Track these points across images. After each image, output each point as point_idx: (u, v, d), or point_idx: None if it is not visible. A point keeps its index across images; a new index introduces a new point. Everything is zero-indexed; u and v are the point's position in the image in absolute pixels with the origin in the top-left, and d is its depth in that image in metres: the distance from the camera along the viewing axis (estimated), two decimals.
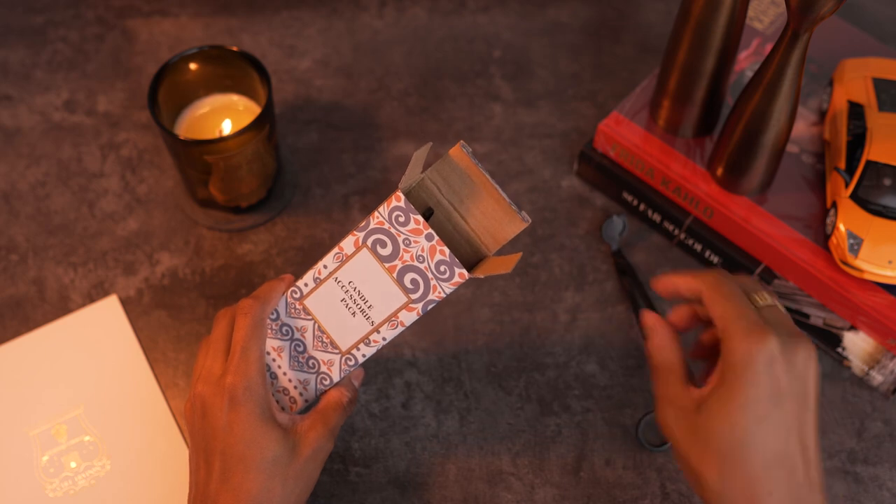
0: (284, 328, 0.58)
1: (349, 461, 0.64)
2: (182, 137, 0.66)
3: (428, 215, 0.53)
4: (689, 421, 0.49)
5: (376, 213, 0.52)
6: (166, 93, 0.69)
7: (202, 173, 0.69)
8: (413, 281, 0.53)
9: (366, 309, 0.55)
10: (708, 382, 0.49)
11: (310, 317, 0.57)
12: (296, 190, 0.75)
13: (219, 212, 0.74)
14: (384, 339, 0.56)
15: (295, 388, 0.59)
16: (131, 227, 0.74)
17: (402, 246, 0.52)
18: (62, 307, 0.70)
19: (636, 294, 0.70)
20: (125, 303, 0.70)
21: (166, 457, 0.64)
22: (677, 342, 0.54)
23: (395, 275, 0.53)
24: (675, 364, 0.52)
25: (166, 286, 0.71)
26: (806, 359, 0.48)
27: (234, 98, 0.72)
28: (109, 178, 0.76)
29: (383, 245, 0.53)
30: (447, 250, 0.52)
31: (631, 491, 0.63)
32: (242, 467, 0.52)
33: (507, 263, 0.51)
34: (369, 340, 0.56)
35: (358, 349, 0.57)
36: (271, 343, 0.59)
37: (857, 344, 0.66)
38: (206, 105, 0.72)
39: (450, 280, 0.52)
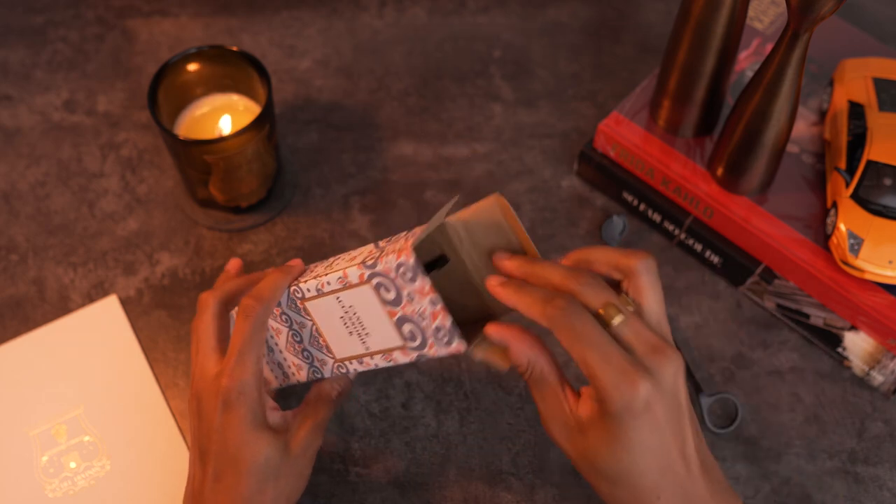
0: (284, 316, 0.58)
1: (349, 461, 0.64)
2: (182, 137, 0.66)
3: (441, 262, 0.51)
4: (575, 442, 0.48)
5: (384, 259, 0.49)
6: (166, 93, 0.69)
7: (202, 173, 0.69)
8: (411, 332, 0.51)
9: (363, 334, 0.54)
10: (587, 405, 0.47)
11: (309, 318, 0.56)
12: (296, 190, 0.75)
13: (219, 212, 0.74)
14: (377, 365, 0.54)
15: (289, 367, 0.59)
16: (131, 227, 0.74)
17: (405, 299, 0.50)
18: (62, 307, 0.70)
19: None
20: (125, 303, 0.70)
21: (166, 457, 0.64)
22: (540, 347, 0.49)
23: (394, 320, 0.51)
24: (549, 371, 0.49)
25: (166, 286, 0.71)
26: (674, 374, 0.46)
27: (234, 98, 0.72)
28: (109, 178, 0.76)
29: (387, 290, 0.51)
30: (450, 321, 0.49)
31: None
32: (234, 470, 0.52)
33: (507, 359, 0.50)
34: (362, 360, 0.55)
35: (351, 363, 0.56)
36: (272, 323, 0.59)
37: (857, 344, 0.66)
38: (206, 105, 0.72)
39: (447, 346, 0.50)
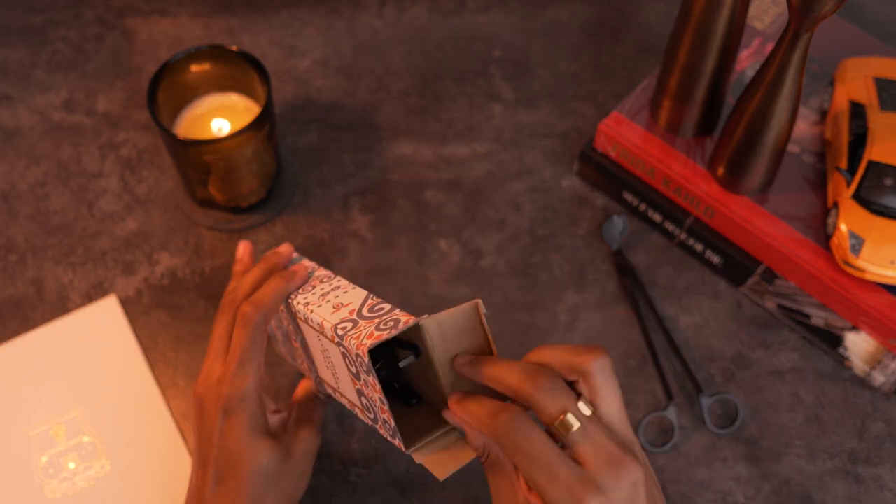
0: (281, 313, 0.58)
1: (349, 462, 0.64)
2: (181, 137, 0.66)
3: (416, 354, 0.50)
4: None
5: (348, 340, 0.49)
6: (166, 92, 0.69)
7: (202, 173, 0.69)
8: (366, 405, 0.52)
9: (336, 374, 0.54)
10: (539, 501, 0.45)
11: (300, 331, 0.57)
12: (296, 190, 0.75)
13: (218, 212, 0.73)
14: (345, 406, 0.56)
15: (292, 351, 0.60)
16: (131, 227, 0.73)
17: (361, 382, 0.51)
18: (61, 307, 0.70)
19: (636, 294, 0.70)
20: (124, 303, 0.70)
21: (166, 457, 0.64)
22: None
23: (356, 388, 0.52)
24: (504, 460, 0.47)
25: (166, 286, 0.71)
26: (632, 485, 0.44)
27: (234, 98, 0.72)
28: (109, 178, 0.76)
29: (350, 363, 0.51)
30: (392, 423, 0.49)
31: None
32: (236, 475, 0.53)
33: (447, 467, 0.49)
34: (336, 392, 0.56)
35: (328, 387, 0.57)
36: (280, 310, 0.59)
37: (858, 344, 0.66)
38: (206, 105, 0.72)
39: (392, 438, 0.51)
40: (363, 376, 0.50)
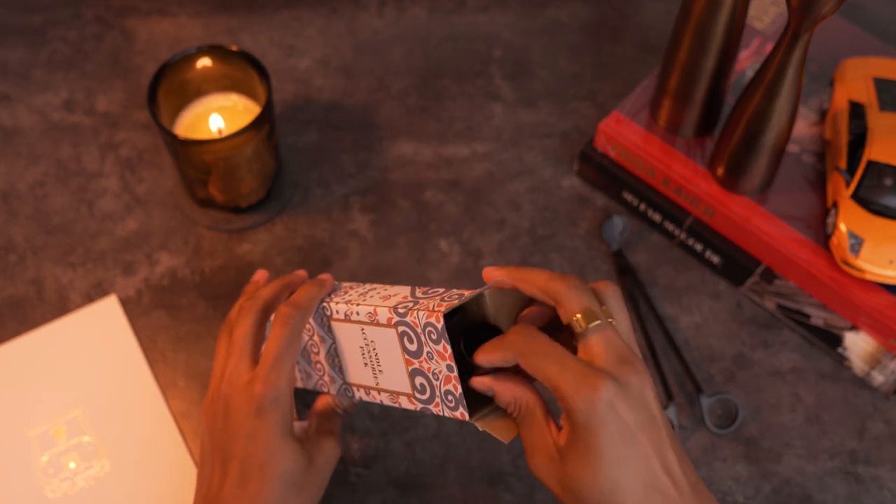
0: (309, 325, 0.59)
1: (349, 462, 0.64)
2: (181, 137, 0.66)
3: (479, 330, 0.53)
4: (558, 471, 0.47)
5: (415, 313, 0.52)
6: (166, 92, 0.69)
7: (202, 173, 0.69)
8: (422, 385, 0.53)
9: (377, 370, 0.56)
10: (564, 431, 0.47)
11: (332, 336, 0.58)
12: (296, 190, 0.75)
13: (218, 212, 0.73)
14: (381, 401, 0.56)
15: (298, 372, 0.60)
16: (130, 227, 0.73)
17: (424, 355, 0.52)
18: (61, 307, 0.70)
19: (636, 294, 0.70)
20: (124, 303, 0.70)
21: (166, 457, 0.64)
22: (525, 385, 0.49)
23: (409, 369, 0.53)
24: (533, 405, 0.49)
25: (166, 286, 0.71)
26: (640, 385, 0.46)
27: (234, 98, 0.72)
28: (108, 177, 0.76)
29: (410, 341, 0.53)
30: (460, 390, 0.51)
31: None
32: (261, 476, 0.52)
33: (509, 433, 0.52)
34: (370, 392, 0.57)
35: (358, 390, 0.57)
36: None
37: (857, 344, 0.66)
38: (206, 105, 0.72)
39: (452, 411, 0.52)
40: (428, 348, 0.51)
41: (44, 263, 0.72)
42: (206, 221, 0.73)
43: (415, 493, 0.63)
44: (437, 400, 0.52)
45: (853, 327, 0.66)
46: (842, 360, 0.68)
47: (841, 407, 0.66)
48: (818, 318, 0.67)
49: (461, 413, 0.51)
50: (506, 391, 0.49)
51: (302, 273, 0.61)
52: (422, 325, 0.51)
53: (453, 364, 0.51)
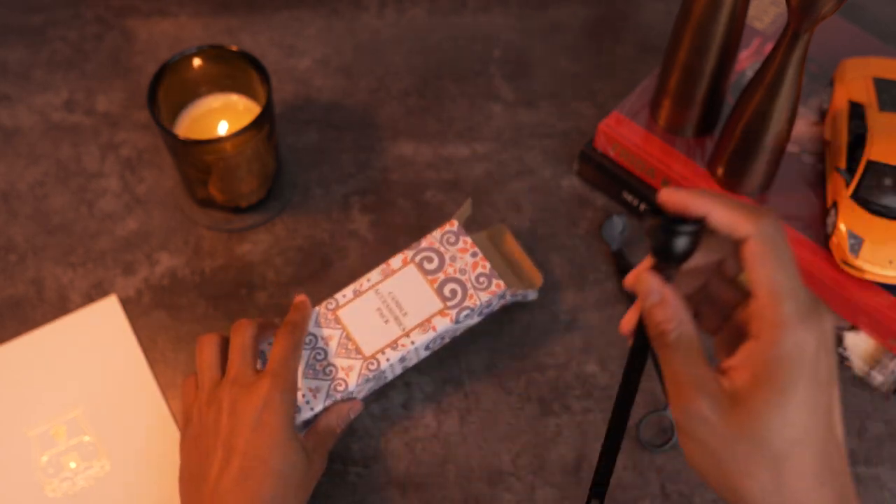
0: (308, 337, 0.62)
1: (349, 461, 0.64)
2: (181, 137, 0.66)
3: None
4: (727, 417, 0.40)
5: (428, 237, 0.64)
6: (166, 92, 0.69)
7: (202, 173, 0.69)
8: (452, 290, 0.62)
9: (400, 316, 0.62)
10: (736, 370, 0.41)
11: (339, 326, 0.63)
12: (296, 190, 0.75)
13: (218, 212, 0.73)
14: (412, 342, 0.61)
15: (303, 396, 0.61)
16: (130, 227, 0.73)
17: (447, 261, 0.63)
18: (61, 307, 0.70)
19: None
20: (124, 303, 0.70)
21: (166, 457, 0.64)
22: (691, 312, 0.43)
23: (436, 286, 0.62)
24: (696, 340, 0.42)
25: (166, 286, 0.71)
26: (832, 329, 0.41)
27: (234, 98, 0.72)
28: (108, 177, 0.76)
29: (430, 261, 0.63)
30: (489, 264, 0.62)
31: (631, 491, 0.63)
32: (263, 470, 0.53)
33: (537, 280, 0.66)
34: (397, 345, 0.61)
35: (383, 353, 0.61)
36: None
37: (857, 344, 0.66)
38: (206, 105, 0.72)
39: (487, 289, 0.62)
40: (449, 253, 0.63)
41: (44, 263, 0.72)
42: (206, 221, 0.73)
43: (415, 493, 0.63)
44: (471, 291, 0.62)
45: (853, 327, 0.66)
46: (842, 360, 0.68)
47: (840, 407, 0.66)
48: None
49: (497, 285, 0.62)
50: (674, 305, 0.42)
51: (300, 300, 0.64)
52: (438, 238, 0.64)
53: (476, 250, 0.63)
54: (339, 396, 0.60)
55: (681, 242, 0.43)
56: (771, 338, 0.40)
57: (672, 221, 0.43)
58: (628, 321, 0.46)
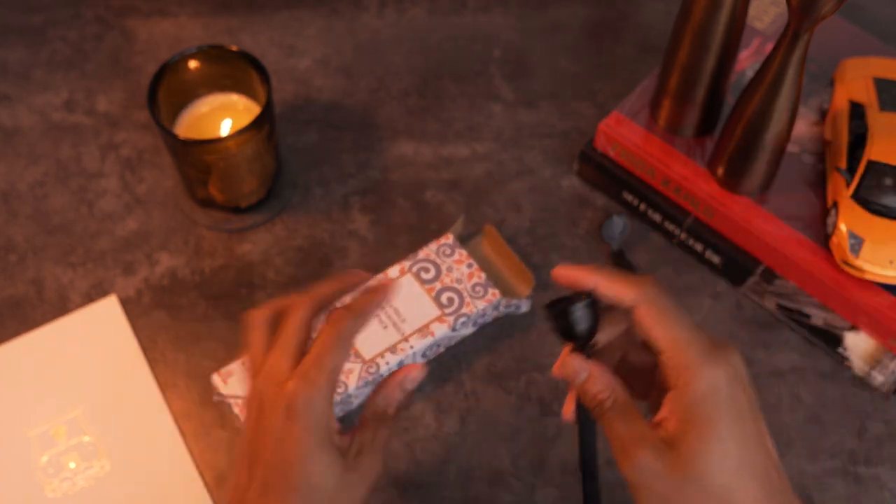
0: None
1: None
2: (181, 137, 0.66)
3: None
4: (667, 464, 0.43)
5: (423, 250, 0.67)
6: (166, 92, 0.69)
7: (202, 173, 0.69)
8: (449, 299, 0.65)
9: (398, 322, 0.64)
10: (667, 419, 0.44)
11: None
12: (296, 190, 0.75)
13: (218, 212, 0.73)
14: (412, 346, 0.63)
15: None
16: (130, 227, 0.73)
17: (443, 272, 0.66)
18: (61, 307, 0.70)
19: None
20: (124, 303, 0.70)
21: (166, 457, 0.64)
22: (616, 377, 0.47)
23: (433, 294, 0.65)
24: (629, 401, 0.46)
25: (166, 286, 0.71)
26: (742, 365, 0.45)
27: (234, 98, 0.72)
28: (109, 177, 0.76)
29: (427, 271, 0.66)
30: (484, 276, 0.65)
31: None
32: (284, 487, 0.47)
33: (527, 287, 0.67)
34: (396, 349, 0.63)
35: (383, 357, 0.62)
36: None
37: (857, 344, 0.66)
38: (206, 105, 0.72)
39: (483, 297, 0.65)
40: (446, 264, 0.66)
41: (44, 263, 0.72)
42: (206, 221, 0.73)
43: (415, 493, 0.63)
44: (467, 299, 0.65)
45: (853, 327, 0.66)
46: (842, 360, 0.68)
47: (841, 407, 0.66)
48: (818, 317, 0.67)
49: (492, 293, 0.65)
50: (603, 376, 0.46)
51: (364, 274, 0.55)
52: (434, 250, 0.67)
53: (472, 261, 0.66)
54: (338, 399, 0.60)
55: (579, 320, 0.47)
56: (684, 383, 0.43)
57: (565, 302, 0.47)
58: (568, 408, 0.49)
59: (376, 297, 0.51)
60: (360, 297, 0.51)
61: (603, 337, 0.48)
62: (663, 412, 0.44)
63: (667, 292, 0.46)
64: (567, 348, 0.48)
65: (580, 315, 0.47)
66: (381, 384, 0.51)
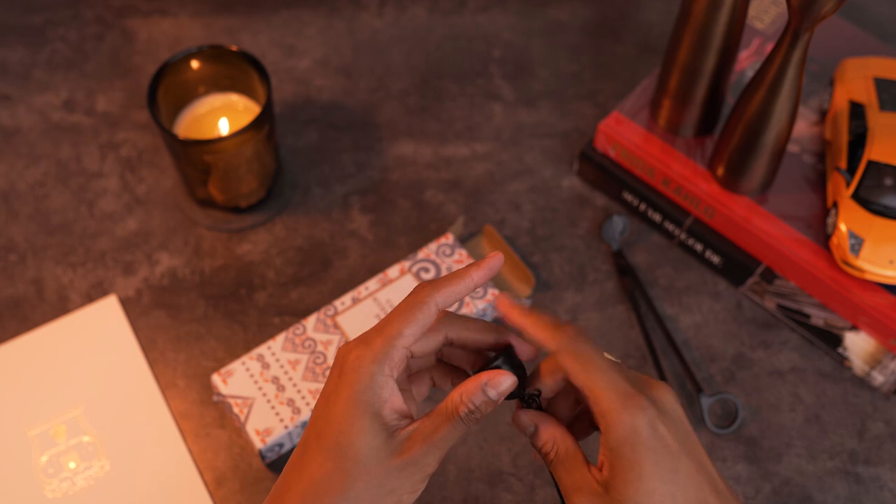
0: (307, 342, 0.64)
1: None
2: (181, 137, 0.66)
3: None
4: None
5: (423, 250, 0.68)
6: (166, 92, 0.69)
7: (202, 173, 0.69)
8: None
9: None
10: (602, 463, 0.45)
11: (338, 331, 0.64)
12: (295, 190, 0.75)
13: (218, 212, 0.73)
14: None
15: (303, 397, 0.62)
16: (130, 227, 0.73)
17: (443, 271, 0.66)
18: (61, 307, 0.70)
19: (636, 294, 0.70)
20: (124, 303, 0.70)
21: (166, 457, 0.64)
22: (564, 427, 0.48)
23: None
24: (573, 449, 0.47)
25: (165, 286, 0.71)
26: (672, 401, 0.46)
27: (234, 98, 0.72)
28: (108, 177, 0.76)
29: (427, 271, 0.67)
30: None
31: None
32: (316, 447, 0.45)
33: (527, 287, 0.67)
34: None
35: None
36: (287, 357, 0.64)
37: (858, 344, 0.66)
38: (206, 105, 0.72)
39: (483, 298, 0.65)
40: (446, 264, 0.66)
41: (44, 263, 0.72)
42: (206, 221, 0.73)
43: None
44: (467, 299, 0.65)
45: (853, 327, 0.66)
46: (842, 360, 0.68)
47: (841, 407, 0.66)
48: (818, 317, 0.67)
49: (492, 293, 0.66)
50: (549, 432, 0.48)
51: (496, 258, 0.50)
52: (434, 250, 0.67)
53: (473, 262, 0.59)
54: None
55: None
56: (605, 428, 0.45)
57: (492, 362, 0.48)
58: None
59: (468, 273, 0.48)
60: (452, 273, 0.48)
61: (548, 385, 0.49)
62: (600, 456, 0.46)
63: (588, 338, 0.47)
64: (517, 403, 0.49)
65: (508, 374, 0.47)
66: (466, 380, 0.47)
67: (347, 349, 0.46)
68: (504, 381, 0.47)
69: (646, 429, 0.44)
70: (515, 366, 0.48)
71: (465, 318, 0.50)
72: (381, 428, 0.45)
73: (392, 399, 0.46)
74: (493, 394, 0.46)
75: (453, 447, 0.64)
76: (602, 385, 0.45)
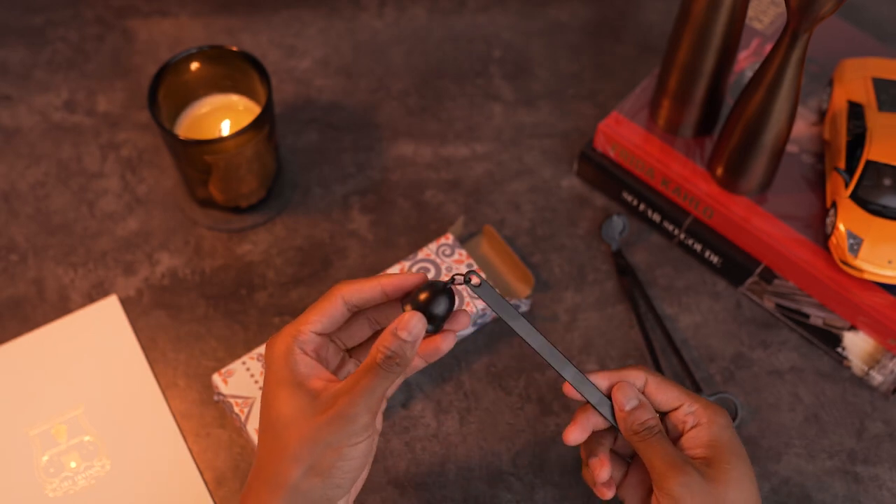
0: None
1: None
2: (182, 137, 0.66)
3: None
4: (708, 486, 0.51)
5: (423, 250, 0.68)
6: (166, 93, 0.69)
7: (202, 173, 0.69)
8: None
9: None
10: (687, 448, 0.54)
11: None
12: (296, 190, 0.75)
13: (218, 212, 0.73)
14: None
15: None
16: (131, 227, 0.74)
17: (443, 271, 0.67)
18: (62, 307, 0.70)
19: (636, 294, 0.70)
20: (125, 303, 0.70)
21: (166, 457, 0.64)
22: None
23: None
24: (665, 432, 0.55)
25: (166, 286, 0.71)
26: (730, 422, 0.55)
27: (234, 98, 0.72)
28: (109, 178, 0.76)
29: (427, 271, 0.67)
30: (484, 274, 0.65)
31: None
32: (260, 430, 0.50)
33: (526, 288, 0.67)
34: None
35: None
36: None
37: (857, 344, 0.66)
38: (206, 105, 0.72)
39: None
40: (445, 264, 0.67)
41: (45, 263, 0.72)
42: (206, 221, 0.73)
43: (415, 493, 0.63)
44: (467, 299, 0.65)
45: (852, 327, 0.66)
46: (841, 360, 0.68)
47: (840, 406, 0.66)
48: (817, 317, 0.67)
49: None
50: (647, 404, 0.55)
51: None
52: (434, 250, 0.68)
53: (472, 262, 0.67)
54: None
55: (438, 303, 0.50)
56: (708, 420, 0.53)
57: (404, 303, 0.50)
58: (571, 433, 0.55)
59: (378, 278, 0.51)
60: (368, 277, 0.52)
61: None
62: (684, 446, 0.53)
63: (654, 374, 0.55)
64: (584, 406, 0.55)
65: (440, 300, 0.50)
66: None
67: (269, 343, 0.51)
68: (412, 322, 0.48)
69: (731, 428, 0.53)
70: (435, 293, 0.49)
71: (360, 282, 0.51)
72: (304, 394, 0.48)
73: (315, 372, 0.50)
74: (405, 335, 0.48)
75: (453, 447, 0.64)
76: (689, 393, 0.55)
